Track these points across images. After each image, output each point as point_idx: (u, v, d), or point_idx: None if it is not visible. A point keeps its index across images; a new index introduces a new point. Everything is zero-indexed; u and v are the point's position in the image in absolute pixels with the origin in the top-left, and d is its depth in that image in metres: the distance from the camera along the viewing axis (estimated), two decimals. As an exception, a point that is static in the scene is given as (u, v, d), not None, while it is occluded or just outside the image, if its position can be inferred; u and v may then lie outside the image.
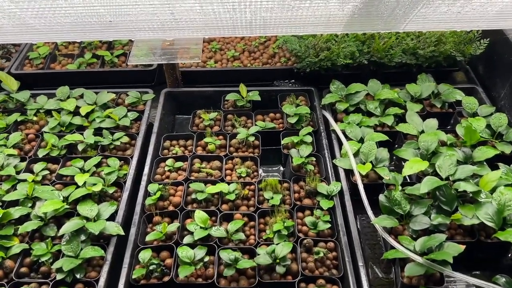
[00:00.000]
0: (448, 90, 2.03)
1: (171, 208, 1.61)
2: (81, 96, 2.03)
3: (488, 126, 1.88)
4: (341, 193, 1.66)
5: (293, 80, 2.32)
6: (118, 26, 1.42)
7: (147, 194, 1.64)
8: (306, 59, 2.14)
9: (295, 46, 2.19)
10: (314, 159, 1.81)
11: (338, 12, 1.56)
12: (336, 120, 1.99)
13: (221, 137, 1.91)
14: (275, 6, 1.49)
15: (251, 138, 1.86)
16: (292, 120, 1.95)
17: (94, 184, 1.62)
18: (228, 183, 1.66)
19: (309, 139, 1.86)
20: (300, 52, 2.17)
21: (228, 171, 1.75)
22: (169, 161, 1.76)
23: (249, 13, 1.52)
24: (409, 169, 1.64)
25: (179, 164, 1.76)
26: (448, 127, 2.07)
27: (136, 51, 1.98)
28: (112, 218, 1.56)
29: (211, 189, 1.61)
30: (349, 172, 1.75)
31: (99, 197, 1.63)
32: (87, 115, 1.94)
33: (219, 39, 2.56)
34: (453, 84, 2.09)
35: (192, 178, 1.71)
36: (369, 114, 1.98)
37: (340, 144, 1.84)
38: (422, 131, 1.85)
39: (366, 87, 2.05)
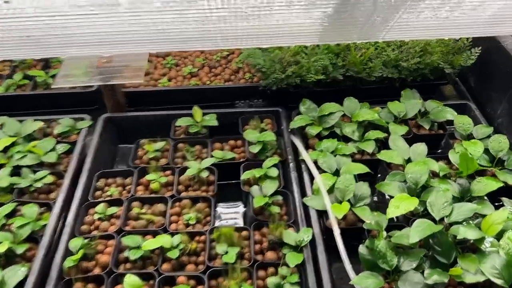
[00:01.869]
0: (437, 108, 1.74)
1: (97, 270, 1.27)
2: (1, 126, 1.68)
3: (486, 150, 1.58)
4: (312, 242, 1.34)
5: (259, 100, 2.02)
6: (40, 42, 1.09)
7: (67, 252, 1.30)
8: (271, 75, 1.83)
9: (258, 60, 1.88)
10: (281, 197, 1.49)
11: (305, 20, 1.26)
12: (307, 147, 1.68)
13: (168, 172, 1.57)
14: (227, 15, 1.20)
15: (204, 174, 1.53)
16: (255, 149, 1.63)
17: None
18: (172, 234, 1.33)
19: (274, 172, 1.54)
20: (264, 68, 1.85)
21: (174, 217, 1.42)
22: (100, 207, 1.42)
23: (199, 23, 1.23)
24: (395, 209, 1.32)
25: (112, 210, 1.42)
26: (439, 150, 1.77)
27: (66, 71, 1.65)
28: (20, 286, 1.22)
29: (149, 243, 1.28)
30: (322, 214, 1.44)
31: (6, 259, 1.28)
32: (6, 150, 1.60)
33: (175, 54, 2.23)
34: (442, 100, 1.80)
35: (127, 228, 1.38)
36: (346, 139, 1.68)
37: (312, 178, 1.53)
38: (409, 159, 1.54)
39: (342, 106, 1.74)
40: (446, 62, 1.85)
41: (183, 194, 1.50)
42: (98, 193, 1.51)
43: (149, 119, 1.80)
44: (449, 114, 1.71)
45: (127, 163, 1.67)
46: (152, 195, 1.49)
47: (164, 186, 1.53)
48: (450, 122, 1.72)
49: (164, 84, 2.02)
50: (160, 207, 1.44)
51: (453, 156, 1.55)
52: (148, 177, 1.52)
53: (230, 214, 1.58)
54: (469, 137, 1.65)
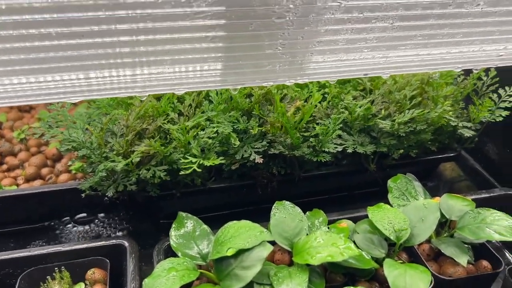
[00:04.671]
0: (471, 215, 0.79)
1: None
2: None
3: None
4: None
5: (86, 215, 0.96)
6: None
7: None
8: (102, 164, 0.79)
9: (72, 131, 0.84)
10: None
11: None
12: None
13: None
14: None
15: None
16: None
17: None
18: None
19: None
20: (87, 147, 0.82)
21: None
22: None
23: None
24: None
25: None
26: (488, 306, 0.81)
27: None
28: None
29: None
30: None
31: None
32: None
33: None
34: (444, 191, 0.88)
35: None
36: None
37: None
38: None
39: (269, 225, 0.74)
40: (458, 118, 0.95)
41: None
42: None
43: None
44: (502, 224, 0.76)
45: None
46: None
47: None
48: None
49: None
50: None
51: None
52: None
53: None
54: None
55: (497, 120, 0.95)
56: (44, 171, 1.05)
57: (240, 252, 0.68)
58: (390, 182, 0.84)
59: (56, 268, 0.73)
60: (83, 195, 0.84)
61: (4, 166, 1.07)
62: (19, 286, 0.70)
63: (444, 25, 0.55)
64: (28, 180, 1.03)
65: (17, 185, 1.01)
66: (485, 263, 0.79)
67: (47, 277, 0.72)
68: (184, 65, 0.54)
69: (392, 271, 0.68)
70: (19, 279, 0.71)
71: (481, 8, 0.54)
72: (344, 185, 0.99)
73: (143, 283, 0.66)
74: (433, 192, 0.89)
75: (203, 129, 0.83)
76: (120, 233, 0.92)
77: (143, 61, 0.49)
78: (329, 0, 0.47)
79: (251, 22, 0.48)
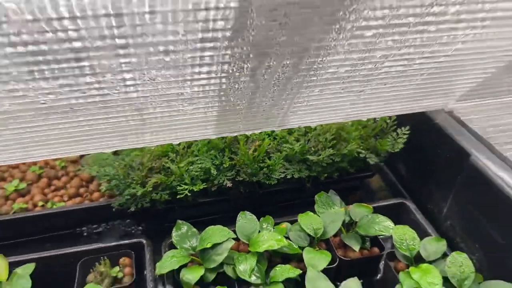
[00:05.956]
0: (367, 217, 1.22)
1: None
2: None
3: (445, 279, 1.07)
4: None
5: (116, 221, 1.39)
6: None
7: None
8: (126, 190, 1.23)
9: (108, 169, 1.27)
10: None
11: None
12: (185, 302, 1.06)
13: None
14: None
15: None
16: (95, 322, 0.98)
17: None
18: None
19: None
20: (116, 178, 1.25)
21: None
22: None
23: None
24: None
25: None
26: (377, 276, 1.24)
27: None
28: None
29: None
30: None
31: None
32: None
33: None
34: (369, 198, 1.31)
35: None
36: (243, 284, 1.09)
37: None
38: (339, 312, 0.98)
39: (234, 227, 1.17)
40: (369, 150, 1.38)
41: None
42: None
43: None
44: (383, 224, 1.20)
45: None
46: None
47: None
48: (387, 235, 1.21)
49: (-31, 214, 1.33)
50: None
51: (402, 299, 1.02)
52: None
53: None
54: (418, 259, 1.14)
55: (396, 150, 1.38)
56: (81, 190, 1.48)
57: (215, 245, 1.11)
58: (316, 197, 1.27)
59: (100, 257, 1.16)
60: (113, 209, 1.27)
61: (52, 187, 1.50)
62: (79, 269, 1.13)
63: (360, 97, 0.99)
64: (70, 197, 1.46)
65: (64, 201, 1.44)
66: (376, 249, 1.23)
67: (95, 263, 1.15)
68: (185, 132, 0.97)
69: (307, 254, 1.11)
70: (78, 264, 1.14)
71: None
72: (288, 198, 1.42)
73: (156, 265, 1.09)
74: (357, 201, 1.30)
75: (192, 164, 1.26)
76: (139, 233, 1.35)
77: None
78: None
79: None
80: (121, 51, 0.68)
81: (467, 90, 1.25)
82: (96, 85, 0.75)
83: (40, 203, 1.40)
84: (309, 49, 0.80)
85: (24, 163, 1.58)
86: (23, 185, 1.45)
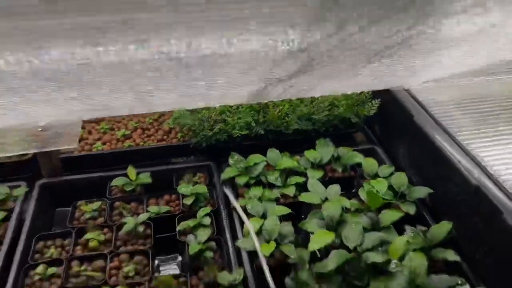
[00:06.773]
0: (348, 154, 1.99)
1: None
2: None
3: (390, 187, 1.83)
4: (245, 280, 1.47)
5: (191, 156, 2.17)
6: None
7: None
8: (200, 133, 2.01)
9: (187, 121, 2.06)
10: (214, 243, 1.62)
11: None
12: (237, 196, 1.84)
13: (106, 229, 1.66)
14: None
15: (141, 228, 1.63)
16: (189, 201, 1.76)
17: None
18: (113, 287, 1.41)
19: (207, 221, 1.67)
20: (194, 127, 2.03)
21: (114, 271, 1.50)
22: (40, 268, 1.47)
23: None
24: (315, 244, 1.50)
25: (52, 270, 1.47)
26: (353, 190, 2.00)
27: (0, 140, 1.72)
28: None
29: (89, 298, 1.35)
30: (253, 254, 1.58)
31: None
32: None
33: (109, 119, 2.36)
34: (353, 146, 2.06)
35: (68, 286, 1.43)
36: (271, 186, 1.86)
37: (242, 223, 1.68)
38: (326, 199, 1.75)
39: (266, 157, 1.95)
40: (353, 113, 2.14)
41: (122, 249, 1.59)
42: (37, 255, 1.56)
43: (85, 182, 1.89)
44: (358, 158, 1.96)
45: (65, 225, 1.73)
46: (91, 253, 1.56)
47: (102, 243, 1.61)
48: (361, 165, 1.97)
49: (98, 148, 2.13)
50: (99, 263, 1.52)
51: (362, 194, 1.77)
52: (87, 236, 1.60)
53: (169, 265, 1.68)
54: (376, 176, 1.90)
55: (371, 114, 2.13)
56: (165, 137, 2.27)
57: (255, 163, 1.89)
58: (317, 141, 2.03)
59: (187, 171, 1.94)
60: (191, 146, 2.05)
61: (145, 135, 2.28)
62: (175, 179, 1.91)
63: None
64: (158, 141, 2.24)
65: (155, 143, 2.23)
66: (352, 173, 1.99)
67: (184, 174, 1.94)
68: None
69: (309, 172, 1.88)
70: (174, 176, 1.92)
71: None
72: (299, 144, 2.18)
73: (220, 175, 1.88)
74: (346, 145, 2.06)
75: (239, 119, 2.03)
76: (206, 159, 2.14)
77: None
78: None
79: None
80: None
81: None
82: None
83: (141, 143, 2.19)
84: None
85: (123, 119, 2.37)
86: (127, 132, 2.25)
